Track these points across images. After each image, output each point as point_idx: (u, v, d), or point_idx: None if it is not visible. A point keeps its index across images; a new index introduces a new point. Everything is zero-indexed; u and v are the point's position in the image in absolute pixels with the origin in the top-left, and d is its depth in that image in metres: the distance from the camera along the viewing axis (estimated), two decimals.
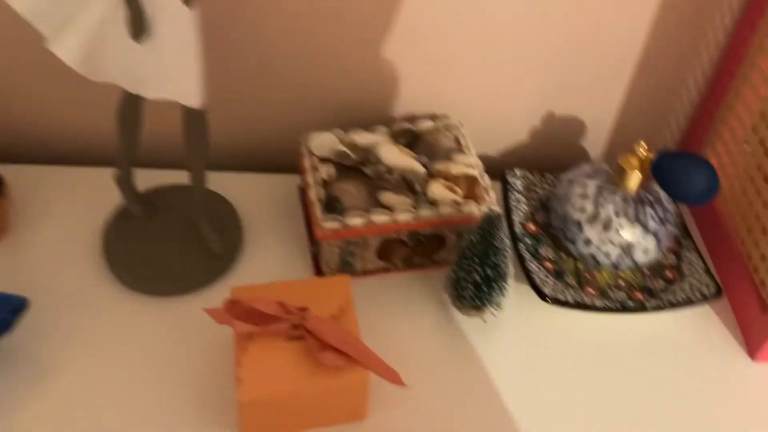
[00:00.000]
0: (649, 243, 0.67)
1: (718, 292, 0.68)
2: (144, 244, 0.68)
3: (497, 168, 0.78)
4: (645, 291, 0.70)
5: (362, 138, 0.71)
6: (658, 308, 0.68)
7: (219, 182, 0.73)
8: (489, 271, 0.62)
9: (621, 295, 0.69)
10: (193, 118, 0.60)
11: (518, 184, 0.76)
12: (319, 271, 0.69)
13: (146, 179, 0.72)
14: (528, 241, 0.72)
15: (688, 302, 0.68)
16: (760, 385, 0.65)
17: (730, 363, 0.66)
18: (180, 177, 0.72)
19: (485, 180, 0.70)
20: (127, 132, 0.64)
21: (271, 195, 0.75)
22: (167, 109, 0.60)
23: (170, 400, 0.59)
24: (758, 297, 0.67)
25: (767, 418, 0.63)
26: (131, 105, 0.62)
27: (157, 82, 0.56)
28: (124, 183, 0.68)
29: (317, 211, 0.65)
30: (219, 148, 0.76)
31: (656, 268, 0.72)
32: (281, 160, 0.79)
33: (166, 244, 0.68)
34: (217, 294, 0.65)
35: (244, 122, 0.78)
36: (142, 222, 0.69)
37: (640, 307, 0.68)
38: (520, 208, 0.75)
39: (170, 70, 0.55)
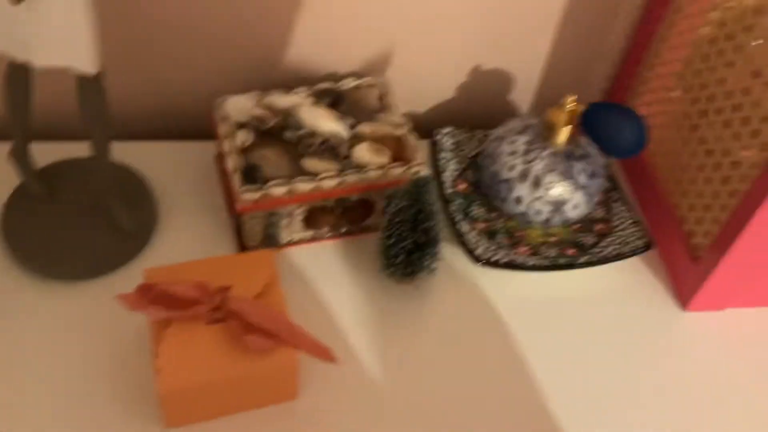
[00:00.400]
0: (580, 198, 0.66)
1: (648, 245, 0.68)
2: (48, 224, 0.62)
3: (425, 126, 0.75)
4: (576, 246, 0.69)
5: (281, 100, 0.67)
6: (589, 264, 0.67)
7: (127, 153, 0.67)
8: (420, 237, 0.60)
9: (552, 252, 0.68)
10: (89, 86, 0.55)
11: (447, 142, 0.74)
12: (242, 246, 0.65)
13: (46, 153, 0.66)
14: (459, 201, 0.70)
15: (619, 256, 0.68)
16: (692, 334, 0.65)
17: (662, 314, 0.66)
18: (82, 149, 0.66)
19: (413, 140, 0.67)
20: (17, 103, 0.58)
21: (186, 165, 0.70)
22: (61, 76, 0.54)
23: (86, 394, 0.55)
24: (687, 247, 0.67)
25: (699, 367, 0.63)
26: (19, 74, 0.56)
27: (44, 48, 0.51)
28: (20, 158, 0.62)
29: (236, 181, 0.61)
30: (124, 115, 0.71)
31: (586, 223, 0.71)
32: (195, 126, 0.73)
33: (72, 223, 0.63)
34: (132, 276, 0.61)
35: (151, 86, 0.72)
36: (44, 201, 0.64)
37: (572, 264, 0.67)
38: (450, 167, 0.72)
39: (59, 34, 0.50)
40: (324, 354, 0.53)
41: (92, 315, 0.58)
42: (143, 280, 0.53)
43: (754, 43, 0.60)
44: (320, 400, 0.56)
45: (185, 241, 0.64)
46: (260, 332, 0.51)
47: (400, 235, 0.60)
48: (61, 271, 0.60)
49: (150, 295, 0.51)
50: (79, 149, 0.67)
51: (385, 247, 0.61)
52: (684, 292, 0.67)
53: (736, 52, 0.61)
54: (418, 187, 0.58)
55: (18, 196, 0.64)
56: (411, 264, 0.61)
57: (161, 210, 0.66)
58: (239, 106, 0.66)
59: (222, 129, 0.65)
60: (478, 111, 0.81)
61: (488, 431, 0.57)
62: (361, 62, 0.75)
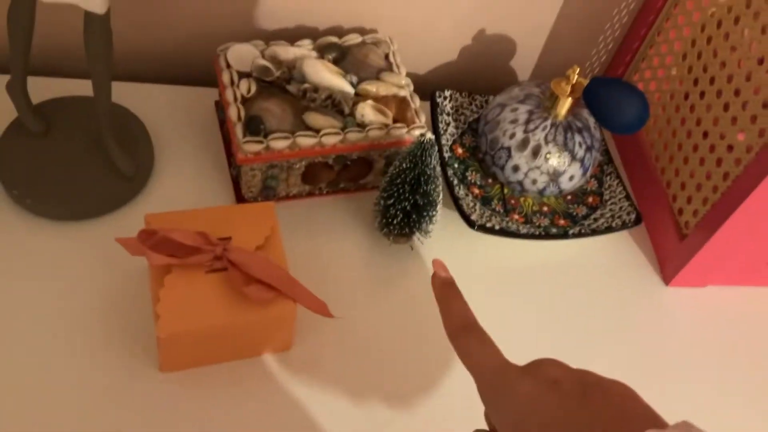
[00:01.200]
0: (576, 170, 0.67)
1: (638, 220, 0.70)
2: (44, 162, 0.61)
3: (425, 87, 0.75)
4: (567, 217, 0.70)
5: (285, 52, 0.66)
6: (580, 235, 0.69)
7: (126, 94, 0.66)
8: (419, 199, 0.60)
9: (544, 222, 0.70)
10: (96, 25, 0.53)
11: (447, 105, 0.74)
12: (239, 196, 0.65)
13: (45, 89, 0.65)
14: (456, 165, 0.71)
15: (608, 229, 0.69)
16: (673, 310, 0.68)
17: (644, 288, 0.68)
18: (81, 87, 0.65)
19: (416, 102, 0.67)
20: (18, 35, 0.56)
21: (185, 110, 0.69)
22: (67, 11, 0.53)
23: (83, 335, 0.55)
24: (675, 225, 0.68)
25: (678, 340, 0.66)
26: (23, 6, 0.54)
27: None
28: (17, 92, 0.60)
29: (238, 132, 0.61)
30: (126, 55, 0.69)
31: (579, 194, 0.72)
32: (195, 71, 0.72)
33: (68, 162, 0.62)
34: (127, 219, 0.61)
35: (155, 28, 0.70)
36: (39, 138, 0.63)
37: (563, 234, 0.68)
38: (449, 130, 0.73)
39: None
40: (321, 308, 0.54)
41: (87, 256, 0.58)
42: (144, 225, 0.53)
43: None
44: (313, 351, 0.57)
45: (181, 187, 0.64)
46: (260, 283, 0.51)
47: (399, 196, 0.60)
48: (55, 210, 0.60)
49: (151, 240, 0.51)
50: (79, 87, 0.66)
51: (383, 206, 0.62)
52: (668, 268, 0.69)
53: (741, 36, 0.62)
54: (422, 150, 0.58)
55: (14, 130, 0.62)
56: (408, 224, 0.62)
57: (159, 155, 0.65)
58: (242, 54, 0.65)
59: (225, 77, 0.64)
60: (476, 75, 0.81)
61: (471, 389, 0.59)
62: (364, 18, 0.74)
